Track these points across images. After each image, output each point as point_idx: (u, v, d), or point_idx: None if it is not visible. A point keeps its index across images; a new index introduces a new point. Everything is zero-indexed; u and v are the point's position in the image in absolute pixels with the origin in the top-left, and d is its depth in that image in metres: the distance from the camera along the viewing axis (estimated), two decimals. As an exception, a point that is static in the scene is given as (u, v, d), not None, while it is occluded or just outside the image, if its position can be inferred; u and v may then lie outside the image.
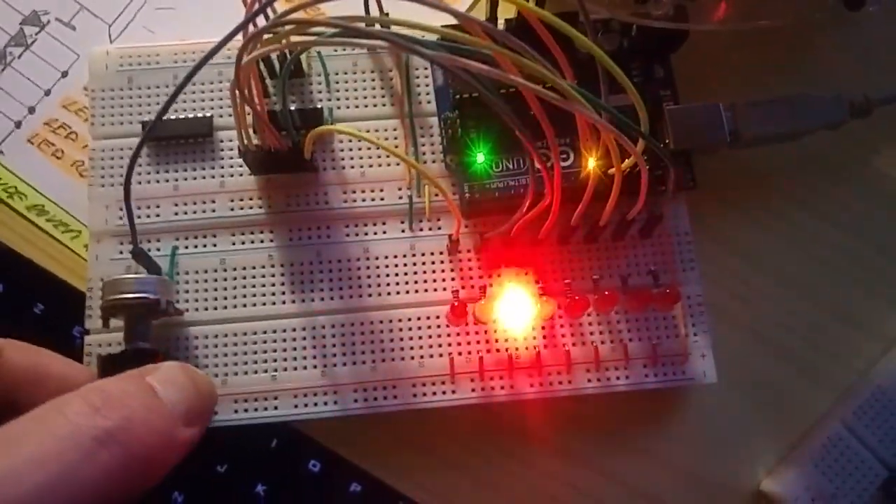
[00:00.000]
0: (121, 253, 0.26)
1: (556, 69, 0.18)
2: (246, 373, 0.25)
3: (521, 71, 0.17)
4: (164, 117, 0.26)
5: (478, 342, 0.25)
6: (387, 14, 0.26)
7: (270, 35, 0.19)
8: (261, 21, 0.22)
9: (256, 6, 0.19)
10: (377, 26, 0.21)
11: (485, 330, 0.25)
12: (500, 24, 0.27)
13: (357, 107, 0.27)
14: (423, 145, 0.27)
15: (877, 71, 0.29)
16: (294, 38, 0.19)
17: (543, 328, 0.25)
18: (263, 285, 0.26)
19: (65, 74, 0.28)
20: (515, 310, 0.25)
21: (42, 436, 0.17)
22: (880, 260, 0.28)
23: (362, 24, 0.16)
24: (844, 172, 0.29)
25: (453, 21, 0.18)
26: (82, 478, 0.17)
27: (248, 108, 0.23)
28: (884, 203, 0.29)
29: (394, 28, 0.19)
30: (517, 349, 0.25)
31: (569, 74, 0.19)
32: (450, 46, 0.17)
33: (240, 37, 0.22)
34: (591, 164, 0.23)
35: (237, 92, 0.21)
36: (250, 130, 0.24)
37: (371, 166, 0.27)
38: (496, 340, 0.25)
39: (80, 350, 0.25)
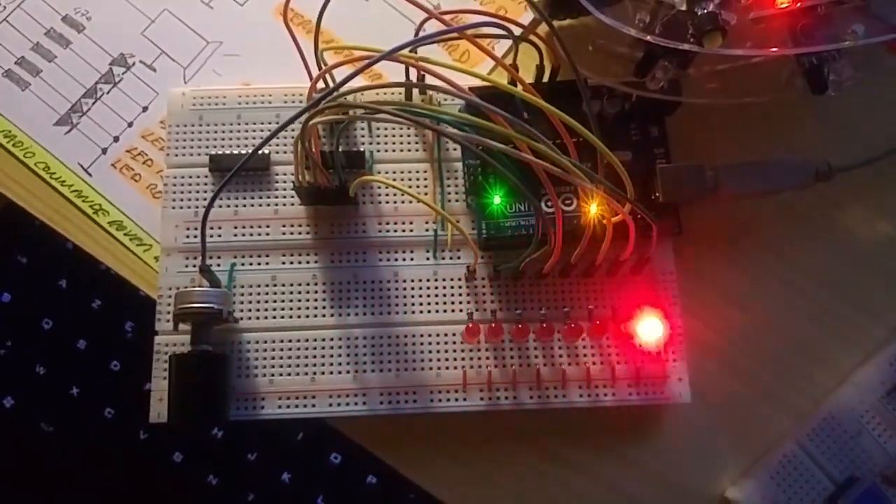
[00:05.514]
0: (186, 266, 0.30)
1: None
2: (289, 374, 0.29)
3: (531, 149, 0.21)
4: (229, 152, 0.31)
5: (487, 358, 0.29)
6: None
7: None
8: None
9: (321, 83, 0.23)
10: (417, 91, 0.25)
11: (493, 348, 0.30)
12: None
13: (394, 150, 0.31)
14: (449, 186, 0.31)
15: (845, 137, 0.33)
16: (353, 112, 0.23)
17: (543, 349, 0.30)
18: (307, 300, 0.30)
19: (145, 109, 0.33)
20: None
21: None
22: (838, 303, 0.32)
23: (410, 110, 0.20)
24: (812, 225, 0.33)
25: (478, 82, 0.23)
26: None
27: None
28: (841, 252, 0.32)
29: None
30: (520, 366, 0.29)
31: (573, 153, 0.23)
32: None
33: (304, 84, 0.26)
34: (593, 209, 0.27)
35: (300, 145, 0.25)
36: (304, 170, 0.28)
37: (403, 202, 0.31)
38: (503, 357, 0.29)
39: (131, 342, 0.29)
